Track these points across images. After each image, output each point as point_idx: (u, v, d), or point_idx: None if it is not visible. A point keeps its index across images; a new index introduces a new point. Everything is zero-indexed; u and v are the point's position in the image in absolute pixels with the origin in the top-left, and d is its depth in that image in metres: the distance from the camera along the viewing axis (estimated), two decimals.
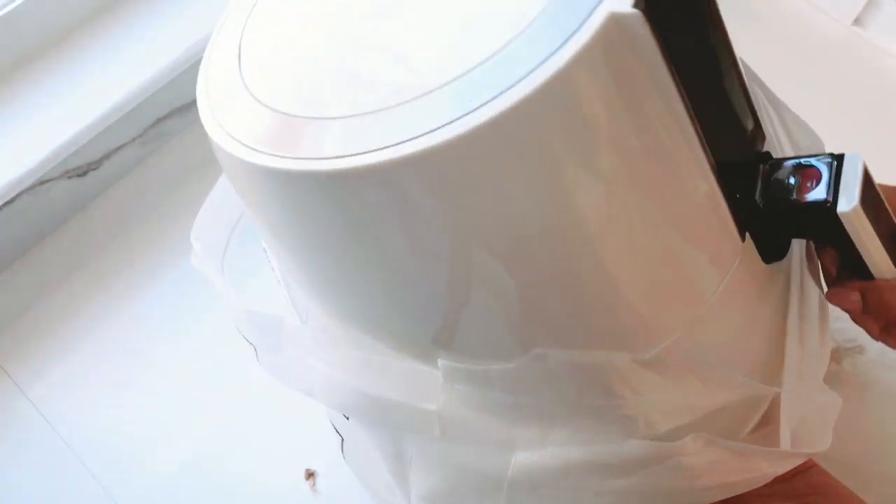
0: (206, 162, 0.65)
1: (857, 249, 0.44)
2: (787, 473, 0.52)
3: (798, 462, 0.52)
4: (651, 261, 0.42)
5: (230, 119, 0.41)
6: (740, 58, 0.44)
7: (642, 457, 0.45)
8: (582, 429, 0.45)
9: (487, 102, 0.34)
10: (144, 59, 0.93)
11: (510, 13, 0.37)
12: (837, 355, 0.77)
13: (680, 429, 0.46)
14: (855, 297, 0.48)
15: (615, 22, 0.34)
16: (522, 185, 0.36)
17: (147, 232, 0.95)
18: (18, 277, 0.93)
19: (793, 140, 0.51)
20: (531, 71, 0.34)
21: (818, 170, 0.42)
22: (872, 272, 0.46)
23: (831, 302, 0.50)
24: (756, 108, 0.45)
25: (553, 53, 0.34)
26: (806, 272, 0.50)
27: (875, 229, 0.44)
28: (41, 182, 0.89)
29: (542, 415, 0.46)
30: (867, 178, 0.42)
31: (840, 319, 0.54)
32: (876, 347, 0.77)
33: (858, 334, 0.73)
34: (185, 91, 0.95)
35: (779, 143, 0.49)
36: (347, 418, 0.54)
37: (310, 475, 0.79)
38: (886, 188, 0.46)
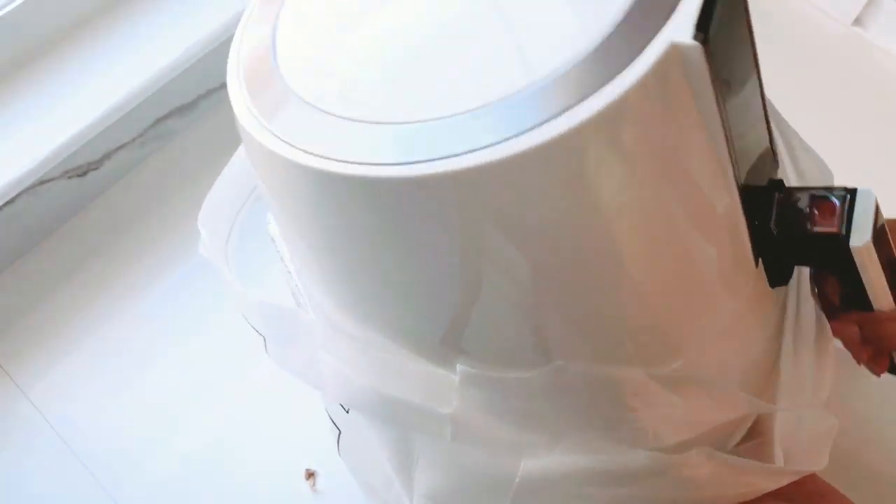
0: (206, 162, 0.65)
1: (861, 281, 0.46)
2: None
3: (793, 479, 0.53)
4: (676, 282, 0.42)
5: (267, 113, 0.41)
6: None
7: (648, 467, 0.46)
8: (591, 438, 0.46)
9: (545, 122, 0.34)
10: (144, 59, 0.93)
11: (571, 35, 0.37)
12: None
13: (684, 442, 0.47)
14: (854, 329, 0.49)
15: (675, 52, 0.34)
16: (564, 204, 0.37)
17: (147, 232, 0.95)
18: (18, 278, 0.93)
19: (797, 168, 0.52)
20: (588, 96, 0.34)
21: (833, 202, 0.43)
22: (873, 304, 0.48)
23: (832, 333, 0.51)
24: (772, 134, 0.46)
25: (611, 80, 0.34)
26: (802, 295, 0.51)
27: (881, 263, 0.45)
28: (41, 182, 0.89)
29: (553, 422, 0.46)
30: (877, 214, 0.43)
31: None
32: None
33: None
34: (185, 91, 0.94)
35: (783, 169, 0.50)
36: (347, 411, 0.54)
37: (310, 475, 0.79)
38: (888, 221, 0.47)
